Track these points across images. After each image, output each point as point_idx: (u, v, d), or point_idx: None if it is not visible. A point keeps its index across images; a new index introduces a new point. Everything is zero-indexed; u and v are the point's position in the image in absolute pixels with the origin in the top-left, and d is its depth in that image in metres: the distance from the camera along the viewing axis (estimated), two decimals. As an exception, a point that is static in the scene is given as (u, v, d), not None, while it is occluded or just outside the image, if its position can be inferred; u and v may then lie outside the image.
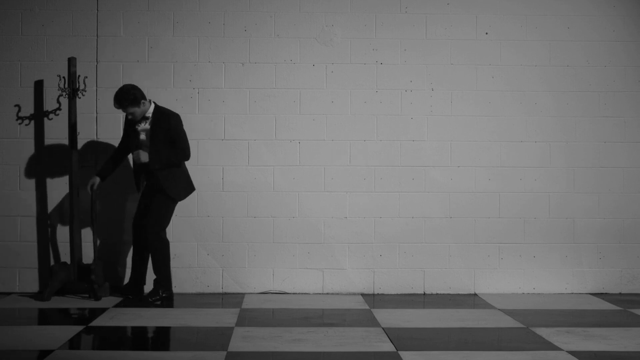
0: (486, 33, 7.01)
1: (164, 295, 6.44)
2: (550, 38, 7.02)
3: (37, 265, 6.86)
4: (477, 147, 6.99)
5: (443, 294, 6.94)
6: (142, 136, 6.38)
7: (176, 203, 6.49)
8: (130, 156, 6.64)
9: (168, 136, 6.36)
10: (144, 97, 6.34)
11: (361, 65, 6.96)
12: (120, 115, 6.86)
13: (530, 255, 7.00)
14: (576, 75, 7.02)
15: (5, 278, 6.85)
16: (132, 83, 6.87)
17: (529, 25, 7.01)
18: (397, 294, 6.93)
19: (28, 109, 6.87)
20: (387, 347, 4.98)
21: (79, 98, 6.72)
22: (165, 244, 6.46)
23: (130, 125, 6.45)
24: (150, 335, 5.41)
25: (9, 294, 6.80)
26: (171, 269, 6.83)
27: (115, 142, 6.85)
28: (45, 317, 6.05)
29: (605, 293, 7.01)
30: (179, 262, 6.88)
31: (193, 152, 6.88)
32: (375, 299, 6.70)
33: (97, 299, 6.48)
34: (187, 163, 6.89)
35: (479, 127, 6.99)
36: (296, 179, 6.92)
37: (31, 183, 6.86)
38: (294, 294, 6.91)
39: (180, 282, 6.86)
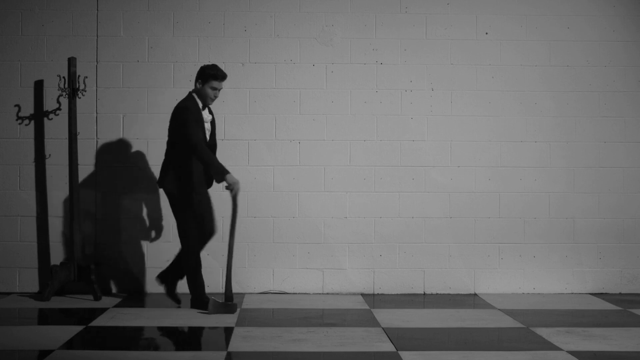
0: (486, 33, 7.01)
1: None
2: (550, 38, 7.02)
3: (37, 265, 6.86)
4: (477, 147, 6.99)
5: (443, 294, 6.94)
6: (209, 125, 6.15)
7: None
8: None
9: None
10: None
11: (361, 65, 6.96)
12: (120, 115, 6.87)
13: (530, 255, 7.00)
14: (576, 75, 7.02)
15: (5, 278, 6.86)
16: (132, 83, 6.89)
17: (529, 25, 7.02)
18: (397, 294, 6.93)
19: (28, 109, 6.87)
20: (387, 347, 4.98)
21: (79, 98, 6.72)
22: None
23: (198, 114, 6.02)
24: (150, 335, 5.41)
25: (9, 294, 6.80)
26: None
27: (115, 142, 6.85)
28: (45, 317, 6.05)
29: (605, 293, 7.01)
30: (179, 262, 6.88)
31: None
32: (375, 299, 6.70)
33: (97, 299, 6.48)
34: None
35: (478, 127, 6.99)
36: (296, 179, 6.92)
37: (31, 183, 6.86)
38: (294, 294, 6.91)
39: (181, 282, 6.85)
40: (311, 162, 6.93)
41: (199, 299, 6.10)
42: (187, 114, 5.94)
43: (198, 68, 6.86)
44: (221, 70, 6.03)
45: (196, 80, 6.05)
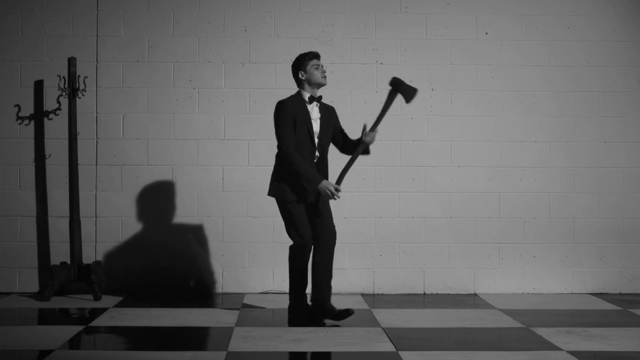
0: (486, 33, 7.01)
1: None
2: (550, 38, 7.02)
3: (37, 265, 6.86)
4: (477, 147, 6.99)
5: (443, 294, 6.94)
6: (316, 126, 5.70)
7: None
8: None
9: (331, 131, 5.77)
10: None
11: (361, 65, 6.96)
12: (120, 115, 6.86)
13: (530, 255, 6.99)
14: (576, 75, 7.02)
15: (5, 278, 6.86)
16: (132, 83, 6.89)
17: (529, 25, 7.01)
18: (397, 294, 6.93)
19: (28, 109, 6.87)
20: (387, 347, 4.98)
21: (79, 98, 6.72)
22: None
23: (297, 112, 5.64)
24: (150, 335, 5.41)
25: (9, 294, 6.80)
26: (173, 269, 6.88)
27: (115, 142, 6.85)
28: (45, 317, 6.05)
29: (605, 293, 7.01)
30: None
31: (192, 152, 6.90)
32: (375, 299, 6.70)
33: (97, 299, 6.48)
34: (187, 163, 6.91)
35: (478, 127, 6.99)
36: (296, 179, 6.91)
37: (31, 183, 6.86)
38: (294, 294, 6.90)
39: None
40: (311, 162, 6.92)
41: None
42: (279, 111, 5.65)
43: (198, 68, 6.88)
44: (312, 51, 5.76)
45: (297, 74, 5.69)
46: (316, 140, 5.68)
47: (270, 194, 5.71)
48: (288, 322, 5.71)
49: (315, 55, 5.71)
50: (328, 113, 5.79)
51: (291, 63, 5.77)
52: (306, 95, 5.69)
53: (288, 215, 5.66)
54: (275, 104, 5.72)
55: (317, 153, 5.70)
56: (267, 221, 6.91)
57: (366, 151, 5.78)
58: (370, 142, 5.70)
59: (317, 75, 5.67)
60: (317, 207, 5.70)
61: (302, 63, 5.69)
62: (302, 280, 5.72)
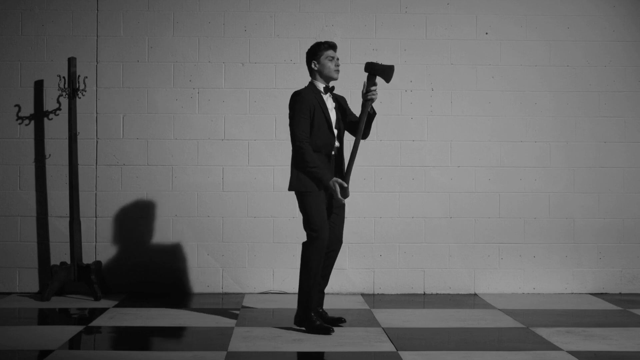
0: (486, 33, 7.01)
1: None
2: (550, 38, 7.02)
3: (37, 265, 6.86)
4: (477, 147, 6.99)
5: (443, 294, 6.94)
6: (333, 116, 5.51)
7: None
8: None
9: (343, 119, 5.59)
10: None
11: (361, 65, 6.93)
12: (120, 115, 6.87)
13: (530, 255, 7.00)
14: (576, 75, 7.02)
15: (5, 278, 6.86)
16: (132, 83, 6.89)
17: (529, 25, 7.01)
18: (397, 294, 6.93)
19: (28, 109, 6.87)
20: (387, 347, 4.98)
21: (79, 98, 6.72)
22: None
23: (314, 103, 5.44)
24: (150, 335, 5.41)
25: (9, 294, 6.81)
26: (172, 269, 6.89)
27: (115, 142, 6.85)
28: (45, 317, 6.05)
29: (605, 293, 7.01)
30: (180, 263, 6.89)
31: (192, 152, 6.90)
32: (375, 299, 6.70)
33: (97, 299, 6.49)
34: (187, 163, 6.91)
35: (478, 127, 6.99)
36: (296, 179, 6.91)
37: (31, 183, 6.86)
38: (294, 294, 6.89)
39: (182, 282, 6.86)
40: (311, 162, 6.91)
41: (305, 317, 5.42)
42: (296, 101, 5.41)
43: (198, 68, 6.88)
44: (329, 41, 5.58)
45: (310, 64, 5.51)
46: (335, 130, 5.48)
47: (290, 188, 5.43)
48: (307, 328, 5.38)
49: (331, 46, 5.52)
50: (341, 102, 5.66)
51: (302, 54, 5.75)
52: (320, 86, 5.53)
53: (306, 208, 5.34)
54: (291, 95, 5.52)
55: (336, 143, 5.49)
56: (267, 221, 6.91)
57: (373, 113, 5.55)
58: (373, 99, 5.47)
59: (329, 68, 5.49)
60: (332, 208, 5.49)
61: (316, 53, 5.51)
62: (315, 283, 5.37)
